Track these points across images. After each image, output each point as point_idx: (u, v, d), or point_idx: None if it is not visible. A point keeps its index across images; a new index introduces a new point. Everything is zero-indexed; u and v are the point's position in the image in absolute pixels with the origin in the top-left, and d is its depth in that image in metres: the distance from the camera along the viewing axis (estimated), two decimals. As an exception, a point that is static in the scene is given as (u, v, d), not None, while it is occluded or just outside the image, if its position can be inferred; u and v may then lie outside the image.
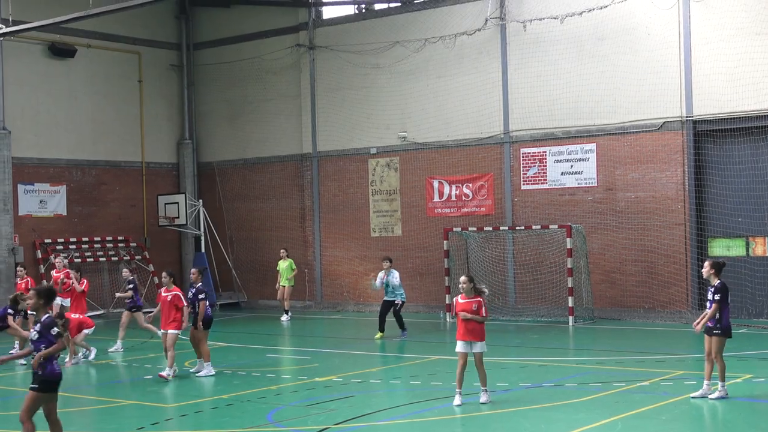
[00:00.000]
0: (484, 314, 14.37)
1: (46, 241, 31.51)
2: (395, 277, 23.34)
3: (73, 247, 32.09)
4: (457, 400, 14.30)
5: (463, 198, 29.15)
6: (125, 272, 23.86)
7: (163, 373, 17.57)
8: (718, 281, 14.61)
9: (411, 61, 30.00)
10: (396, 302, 23.33)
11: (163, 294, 17.94)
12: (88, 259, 31.92)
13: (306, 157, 32.54)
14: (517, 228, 27.52)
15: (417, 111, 29.99)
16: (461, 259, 28.08)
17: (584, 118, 26.92)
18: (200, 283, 18.59)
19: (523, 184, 28.00)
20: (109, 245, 33.15)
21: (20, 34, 28.51)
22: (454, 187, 29.31)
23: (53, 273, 23.55)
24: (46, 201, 31.75)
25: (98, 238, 32.88)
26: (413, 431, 13.14)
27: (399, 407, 14.53)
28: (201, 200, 33.94)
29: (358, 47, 31.00)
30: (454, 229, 28.09)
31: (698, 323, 14.74)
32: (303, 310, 31.64)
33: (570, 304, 25.54)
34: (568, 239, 25.77)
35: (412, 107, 30.09)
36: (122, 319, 22.87)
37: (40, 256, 31.22)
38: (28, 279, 23.77)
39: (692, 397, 14.45)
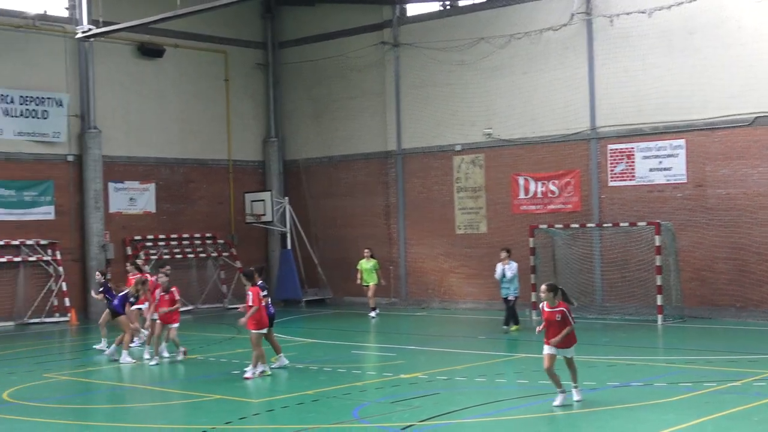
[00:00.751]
0: (570, 323, 14.07)
1: (136, 238, 32.08)
2: (511, 269, 24.07)
3: (162, 243, 32.63)
4: (558, 400, 13.99)
5: (549, 195, 28.88)
6: (98, 275, 23.03)
7: (247, 374, 17.59)
8: None
9: (496, 58, 29.82)
10: (509, 298, 24.10)
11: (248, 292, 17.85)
12: (176, 256, 32.41)
13: (390, 155, 32.58)
14: (605, 225, 27.18)
15: (502, 107, 29.80)
16: (547, 257, 27.81)
17: (673, 114, 26.46)
18: (260, 281, 18.42)
19: (611, 181, 27.63)
20: (197, 242, 33.62)
21: (110, 35, 29.09)
22: (540, 184, 29.06)
23: (129, 276, 23.65)
24: (136, 198, 32.31)
25: (186, 235, 33.37)
26: (499, 429, 13.03)
27: (484, 405, 14.42)
28: (287, 197, 34.21)
29: (442, 44, 30.92)
30: (540, 226, 27.84)
31: None
32: (388, 307, 31.65)
33: (659, 303, 25.12)
34: (656, 236, 25.35)
35: (497, 104, 29.92)
36: (101, 318, 22.56)
37: (129, 252, 31.77)
38: (139, 275, 23.86)
39: None
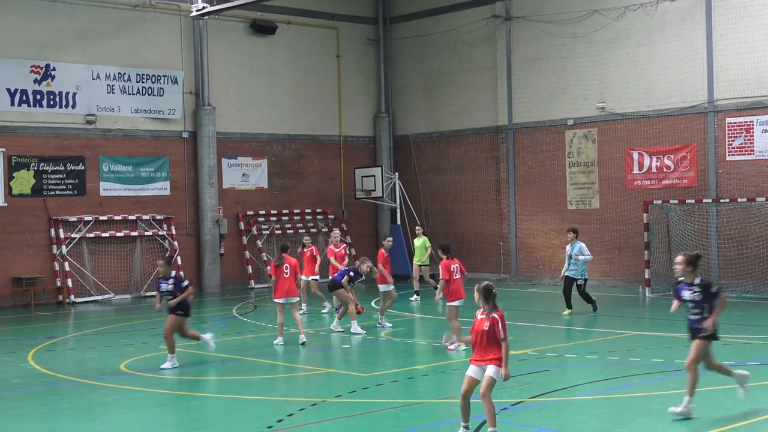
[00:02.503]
0: (502, 336, 10.82)
1: (248, 213, 32.54)
2: (576, 249, 22.51)
3: (274, 219, 33.04)
4: None
5: (664, 169, 28.27)
6: None
7: (451, 346, 17.56)
8: None
9: (610, 30, 29.25)
10: (577, 281, 22.59)
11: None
12: (287, 231, 32.76)
13: (501, 129, 32.31)
14: (722, 201, 26.49)
15: (616, 81, 29.25)
16: (662, 233, 27.28)
17: (795, 86, 25.61)
18: (173, 274, 16.88)
19: (729, 155, 26.90)
20: (308, 217, 33.94)
21: (224, 12, 29.45)
22: (654, 159, 28.46)
23: (332, 248, 23.79)
24: (249, 174, 32.75)
25: (297, 210, 33.71)
26: (609, 407, 12.84)
27: (595, 382, 14.23)
28: (397, 173, 34.24)
29: (555, 17, 30.45)
30: (655, 202, 27.30)
31: None
32: (497, 283, 31.37)
33: (778, 281, 24.44)
34: (776, 212, 24.64)
35: (611, 77, 29.37)
36: None
37: (242, 227, 32.27)
38: (312, 248, 24.27)
39: None
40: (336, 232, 24.48)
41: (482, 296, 10.99)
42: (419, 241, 27.59)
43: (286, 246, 19.55)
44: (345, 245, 24.14)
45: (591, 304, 22.85)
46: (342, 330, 20.22)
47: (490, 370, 10.81)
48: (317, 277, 23.85)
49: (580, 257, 22.41)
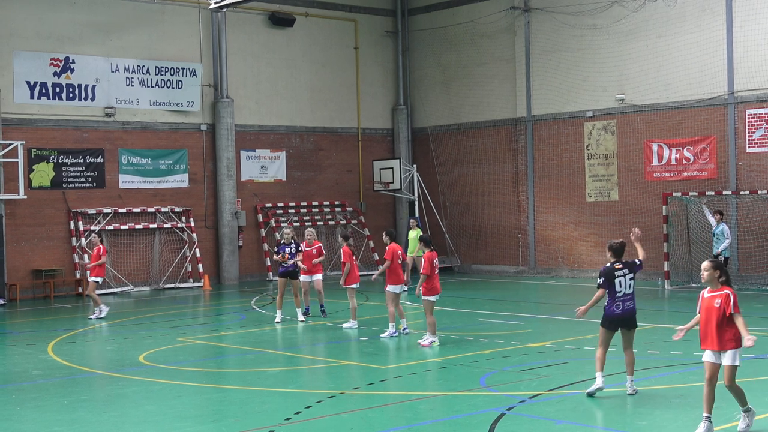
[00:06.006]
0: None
1: (267, 205, 32.59)
2: (719, 230, 24.49)
3: (292, 211, 33.06)
4: None
5: (684, 162, 28.14)
6: None
7: (424, 342, 17.54)
8: None
9: (630, 21, 29.12)
10: (719, 257, 24.15)
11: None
12: (306, 223, 32.78)
13: (520, 121, 32.23)
14: (742, 193, 26.35)
15: (635, 72, 29.13)
16: (681, 225, 27.17)
17: (816, 77, 25.42)
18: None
19: (749, 147, 26.76)
20: (326, 209, 33.96)
21: (242, 4, 29.51)
22: (674, 151, 28.34)
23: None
24: (267, 167, 32.80)
25: (316, 203, 33.73)
26: (628, 400, 12.80)
27: (613, 375, 14.16)
28: (415, 165, 34.20)
29: (574, 8, 30.34)
30: (674, 194, 27.18)
31: None
32: (516, 276, 31.42)
33: (799, 273, 24.32)
34: (797, 205, 24.50)
35: (630, 68, 29.24)
36: None
37: (261, 219, 32.32)
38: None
39: None
40: (310, 230, 23.06)
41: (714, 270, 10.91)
42: (413, 234, 26.60)
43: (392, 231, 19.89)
44: (320, 245, 22.67)
45: None
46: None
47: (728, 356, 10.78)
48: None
49: (723, 245, 24.32)
